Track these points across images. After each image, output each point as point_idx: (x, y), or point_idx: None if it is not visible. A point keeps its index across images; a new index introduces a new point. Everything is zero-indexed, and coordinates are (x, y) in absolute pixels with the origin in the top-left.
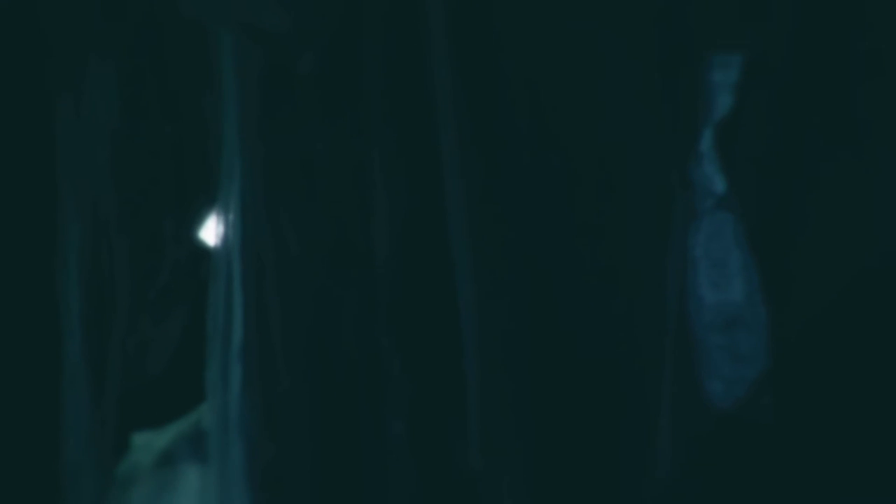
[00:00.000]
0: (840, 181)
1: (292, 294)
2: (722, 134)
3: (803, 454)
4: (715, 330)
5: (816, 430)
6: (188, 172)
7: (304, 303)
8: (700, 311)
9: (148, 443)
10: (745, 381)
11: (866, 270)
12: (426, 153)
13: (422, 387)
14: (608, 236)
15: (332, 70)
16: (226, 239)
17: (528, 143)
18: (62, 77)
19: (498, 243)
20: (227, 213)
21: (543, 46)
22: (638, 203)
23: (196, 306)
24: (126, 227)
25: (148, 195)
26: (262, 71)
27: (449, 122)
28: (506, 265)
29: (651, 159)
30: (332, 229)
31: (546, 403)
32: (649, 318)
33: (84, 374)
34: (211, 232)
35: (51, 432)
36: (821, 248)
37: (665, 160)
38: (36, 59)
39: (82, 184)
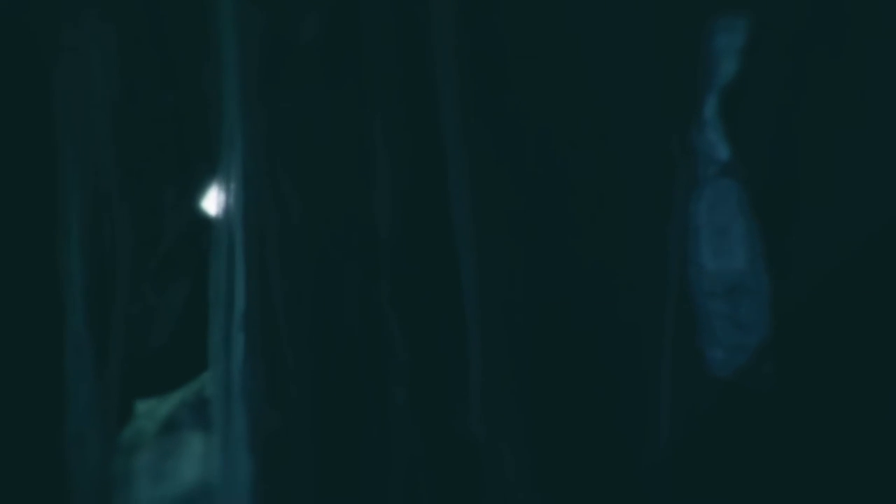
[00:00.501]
0: (847, 148)
1: (295, 262)
2: (726, 100)
3: (804, 423)
4: (716, 298)
5: (817, 398)
6: (189, 140)
7: (307, 271)
8: (701, 279)
9: (151, 410)
10: (745, 349)
11: (870, 238)
12: (428, 120)
13: (423, 354)
14: (609, 204)
15: (334, 36)
16: (227, 207)
17: (530, 110)
18: (60, 42)
19: (499, 211)
20: (229, 182)
21: (544, 13)
22: (639, 170)
23: (198, 275)
24: (127, 195)
25: (148, 163)
26: (263, 36)
27: (451, 88)
28: (507, 233)
29: (652, 126)
30: (335, 197)
31: (547, 371)
32: (650, 286)
33: (87, 341)
34: (212, 200)
35: (54, 400)
36: (825, 216)
37: (667, 127)
38: (33, 23)
39: (83, 152)
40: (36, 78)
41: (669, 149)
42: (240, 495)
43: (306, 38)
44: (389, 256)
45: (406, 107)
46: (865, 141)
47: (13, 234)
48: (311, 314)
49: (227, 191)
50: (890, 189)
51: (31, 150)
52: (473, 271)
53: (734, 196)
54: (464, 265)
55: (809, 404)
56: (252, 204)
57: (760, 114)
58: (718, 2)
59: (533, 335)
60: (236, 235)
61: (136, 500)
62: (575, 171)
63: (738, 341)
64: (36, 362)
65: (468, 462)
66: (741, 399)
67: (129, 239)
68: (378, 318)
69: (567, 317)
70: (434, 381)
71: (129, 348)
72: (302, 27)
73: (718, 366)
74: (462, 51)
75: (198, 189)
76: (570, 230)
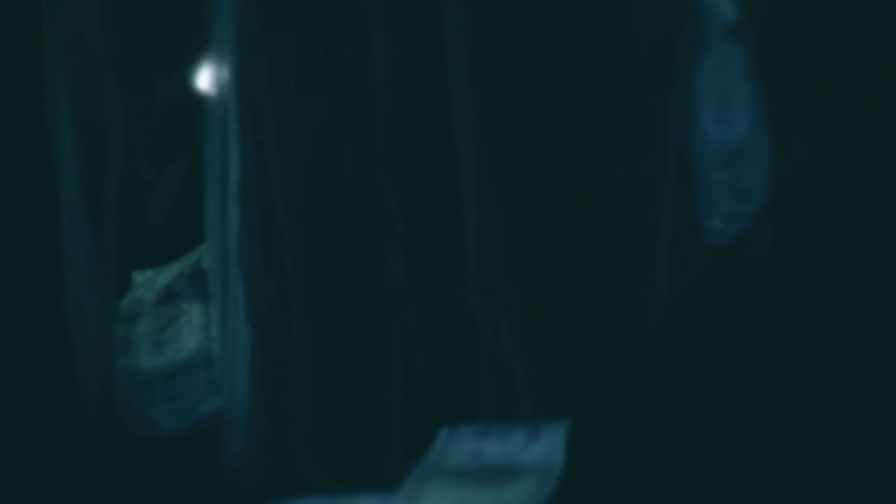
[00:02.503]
0: (856, 9)
1: (289, 134)
2: None
3: (802, 288)
4: (716, 166)
5: (816, 263)
6: (179, 9)
7: (302, 142)
8: (702, 147)
9: (149, 281)
10: (744, 217)
11: (874, 102)
12: None
13: (420, 224)
14: (609, 70)
15: None
16: (220, 79)
17: None
18: None
19: (497, 79)
20: (222, 51)
21: None
22: (640, 32)
23: (195, 149)
24: (115, 63)
25: (137, 29)
26: None
27: None
28: (504, 100)
29: None
30: (330, 67)
31: (544, 241)
32: (650, 153)
33: (82, 209)
34: (205, 73)
35: (54, 269)
36: (831, 78)
37: None
38: None
39: (67, 16)
40: None
41: (673, 8)
42: (239, 364)
43: None
44: (385, 126)
45: None
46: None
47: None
48: (306, 185)
49: (220, 60)
50: None
51: (12, 16)
52: (470, 140)
53: (739, 60)
54: (461, 134)
55: (808, 269)
56: (245, 75)
57: None
58: None
59: (530, 203)
60: (230, 107)
61: (137, 366)
62: (574, 33)
63: (736, 209)
64: (32, 232)
65: (464, 332)
66: (738, 264)
67: (119, 108)
68: (374, 188)
69: (565, 184)
70: (430, 252)
71: (127, 221)
72: None
73: (716, 234)
74: None
75: (189, 60)
76: (568, 95)
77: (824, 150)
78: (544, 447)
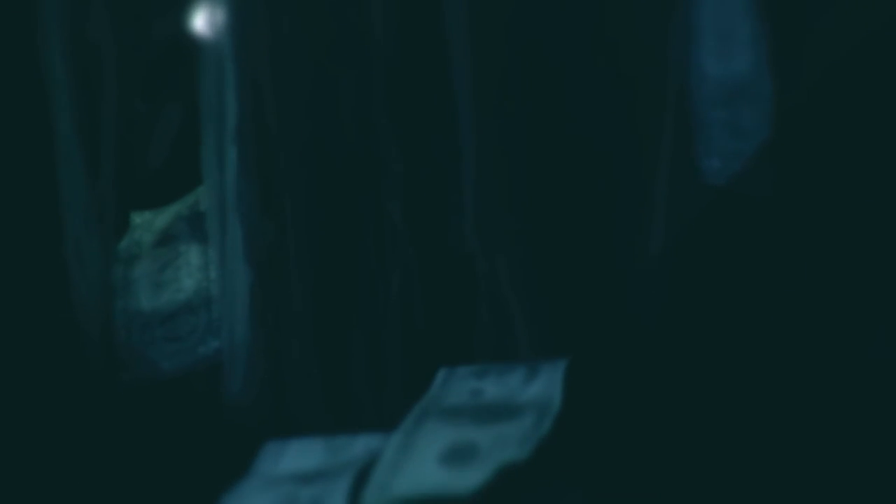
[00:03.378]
0: None
1: (287, 74)
2: None
3: (801, 228)
4: (716, 104)
5: (815, 202)
6: None
7: (300, 83)
8: (702, 85)
9: (147, 222)
10: (743, 157)
11: (877, 39)
12: None
13: (418, 165)
14: (607, 5)
15: None
16: (216, 16)
17: None
18: None
19: (495, 16)
20: None
21: None
22: None
23: (191, 88)
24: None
25: None
26: None
27: None
28: (502, 38)
29: None
30: (328, 5)
31: (541, 180)
32: (649, 91)
33: (79, 152)
34: (201, 9)
35: (52, 211)
36: (835, 15)
37: None
38: None
39: None
40: None
41: None
42: (238, 305)
43: None
44: (383, 66)
45: None
46: None
47: None
48: (304, 126)
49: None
50: None
51: None
52: (468, 78)
53: None
54: (458, 73)
55: (807, 209)
56: (241, 14)
57: None
58: None
59: (529, 143)
60: (226, 46)
61: (136, 307)
62: None
63: (736, 148)
64: (29, 174)
65: (463, 273)
66: (736, 204)
67: (113, 47)
68: (372, 128)
69: (563, 123)
70: (429, 192)
71: (124, 162)
72: None
73: (714, 173)
74: None
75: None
76: (567, 33)
77: (826, 87)
78: (542, 386)
